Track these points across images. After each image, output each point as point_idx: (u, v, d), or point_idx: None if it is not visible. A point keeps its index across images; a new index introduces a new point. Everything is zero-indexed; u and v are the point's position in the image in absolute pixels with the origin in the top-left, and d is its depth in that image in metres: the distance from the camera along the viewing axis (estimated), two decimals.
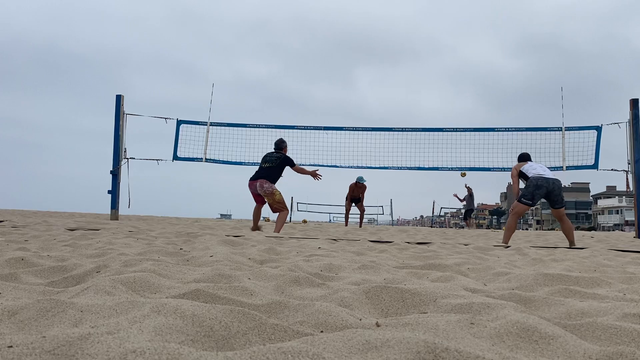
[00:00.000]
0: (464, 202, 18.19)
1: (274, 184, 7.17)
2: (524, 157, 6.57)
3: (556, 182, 6.04)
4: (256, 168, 7.49)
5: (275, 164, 7.23)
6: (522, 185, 6.29)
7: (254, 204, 7.48)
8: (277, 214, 7.27)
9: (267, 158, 7.38)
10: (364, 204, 13.41)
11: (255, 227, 7.56)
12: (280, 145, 7.53)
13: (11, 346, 0.96)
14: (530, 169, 6.18)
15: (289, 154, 7.71)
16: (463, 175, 12.44)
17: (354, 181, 13.16)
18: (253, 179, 7.24)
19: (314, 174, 7.35)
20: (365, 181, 13.14)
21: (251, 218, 7.82)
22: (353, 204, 13.43)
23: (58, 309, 1.36)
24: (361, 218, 13.52)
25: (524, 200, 6.04)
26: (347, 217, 13.53)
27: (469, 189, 17.75)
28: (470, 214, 18.29)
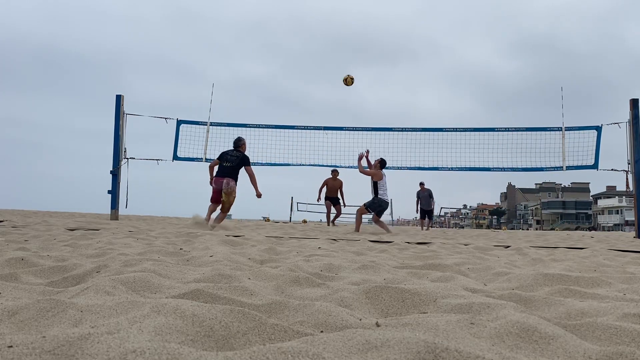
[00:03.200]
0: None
1: (235, 182, 7.66)
2: (384, 165, 9.02)
3: (388, 204, 8.90)
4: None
5: (235, 163, 7.66)
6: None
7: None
8: (224, 213, 7.83)
9: (227, 157, 7.74)
10: (345, 199, 12.76)
11: (208, 219, 7.79)
12: (238, 143, 7.98)
13: (11, 346, 0.96)
14: (381, 188, 8.69)
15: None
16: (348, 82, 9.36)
17: (329, 176, 12.56)
18: (220, 175, 7.65)
19: (258, 193, 7.75)
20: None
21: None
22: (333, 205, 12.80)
23: (58, 309, 1.36)
24: (336, 217, 12.95)
25: (369, 210, 8.78)
26: (328, 216, 12.97)
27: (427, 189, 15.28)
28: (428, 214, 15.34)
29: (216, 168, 7.94)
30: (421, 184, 15.16)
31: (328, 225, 12.71)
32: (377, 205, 8.81)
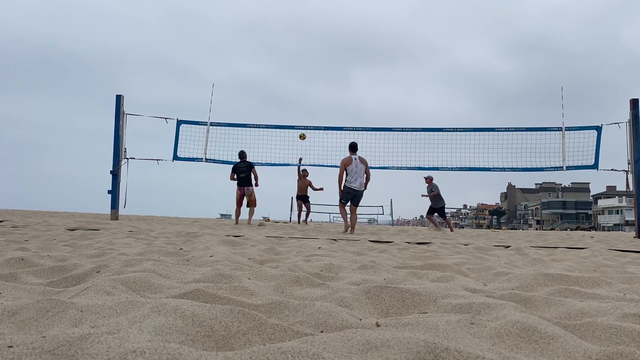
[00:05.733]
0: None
1: (252, 185, 10.47)
2: (353, 148, 8.65)
3: (359, 191, 8.56)
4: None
5: (246, 173, 10.40)
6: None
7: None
8: (253, 207, 10.56)
9: (241, 169, 10.39)
10: (314, 191, 13.76)
11: (237, 222, 10.76)
12: (242, 156, 10.54)
13: (11, 346, 0.96)
14: (349, 173, 8.50)
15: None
16: (302, 137, 11.29)
17: (297, 177, 13.55)
18: (241, 185, 10.41)
19: (256, 183, 10.46)
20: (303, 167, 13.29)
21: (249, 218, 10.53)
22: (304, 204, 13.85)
23: (58, 309, 1.36)
24: (307, 215, 13.89)
25: (343, 202, 8.65)
26: (299, 215, 13.99)
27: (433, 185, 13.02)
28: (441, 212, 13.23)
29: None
30: (425, 178, 12.90)
31: (299, 223, 13.70)
32: (345, 194, 8.53)
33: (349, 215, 8.79)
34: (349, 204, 8.71)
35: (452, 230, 12.03)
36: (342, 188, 8.59)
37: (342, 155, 11.97)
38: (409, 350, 1.03)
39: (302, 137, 11.25)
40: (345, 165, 8.57)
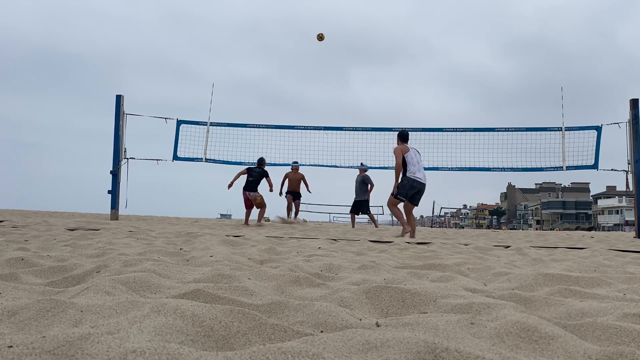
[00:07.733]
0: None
1: (257, 191, 10.23)
2: (405, 137, 7.32)
3: (424, 184, 7.10)
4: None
5: (256, 177, 10.19)
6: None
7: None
8: (262, 209, 10.38)
9: (252, 173, 10.23)
10: (307, 190, 12.60)
11: (246, 224, 10.25)
12: (261, 162, 10.46)
13: (11, 346, 0.96)
14: (410, 163, 7.00)
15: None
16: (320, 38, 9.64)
17: (290, 170, 12.30)
18: (246, 189, 10.21)
19: (271, 189, 10.35)
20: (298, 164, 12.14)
21: (251, 218, 10.43)
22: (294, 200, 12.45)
23: (58, 309, 1.36)
24: (296, 213, 12.57)
25: (400, 197, 7.03)
26: (289, 209, 12.50)
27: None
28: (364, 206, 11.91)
29: (242, 179, 10.27)
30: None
31: (288, 218, 12.36)
32: (407, 188, 6.92)
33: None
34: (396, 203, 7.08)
35: (353, 226, 11.48)
36: (399, 181, 7.00)
37: (342, 155, 11.93)
38: (409, 350, 1.03)
39: (320, 38, 9.76)
40: (403, 152, 6.99)
